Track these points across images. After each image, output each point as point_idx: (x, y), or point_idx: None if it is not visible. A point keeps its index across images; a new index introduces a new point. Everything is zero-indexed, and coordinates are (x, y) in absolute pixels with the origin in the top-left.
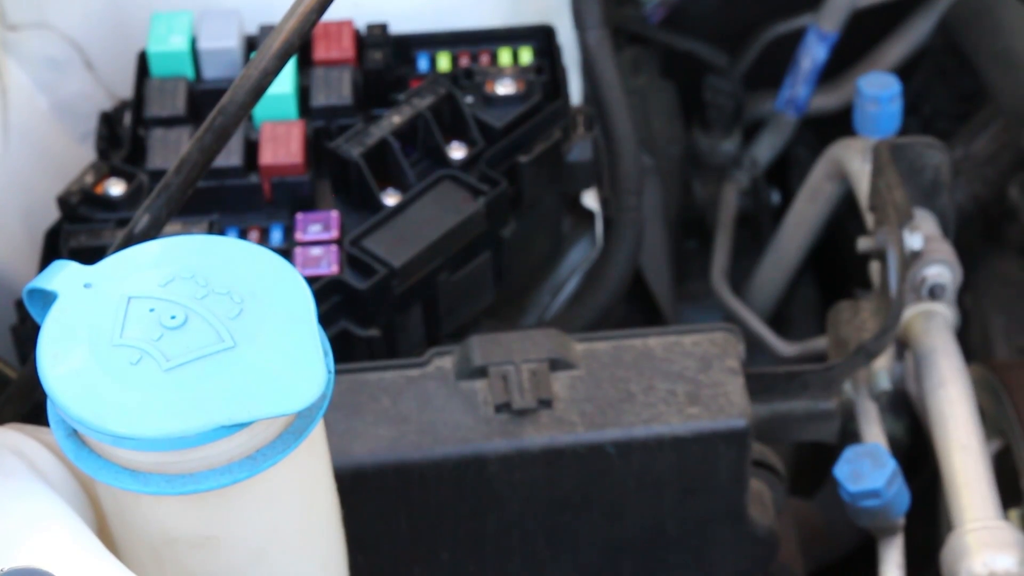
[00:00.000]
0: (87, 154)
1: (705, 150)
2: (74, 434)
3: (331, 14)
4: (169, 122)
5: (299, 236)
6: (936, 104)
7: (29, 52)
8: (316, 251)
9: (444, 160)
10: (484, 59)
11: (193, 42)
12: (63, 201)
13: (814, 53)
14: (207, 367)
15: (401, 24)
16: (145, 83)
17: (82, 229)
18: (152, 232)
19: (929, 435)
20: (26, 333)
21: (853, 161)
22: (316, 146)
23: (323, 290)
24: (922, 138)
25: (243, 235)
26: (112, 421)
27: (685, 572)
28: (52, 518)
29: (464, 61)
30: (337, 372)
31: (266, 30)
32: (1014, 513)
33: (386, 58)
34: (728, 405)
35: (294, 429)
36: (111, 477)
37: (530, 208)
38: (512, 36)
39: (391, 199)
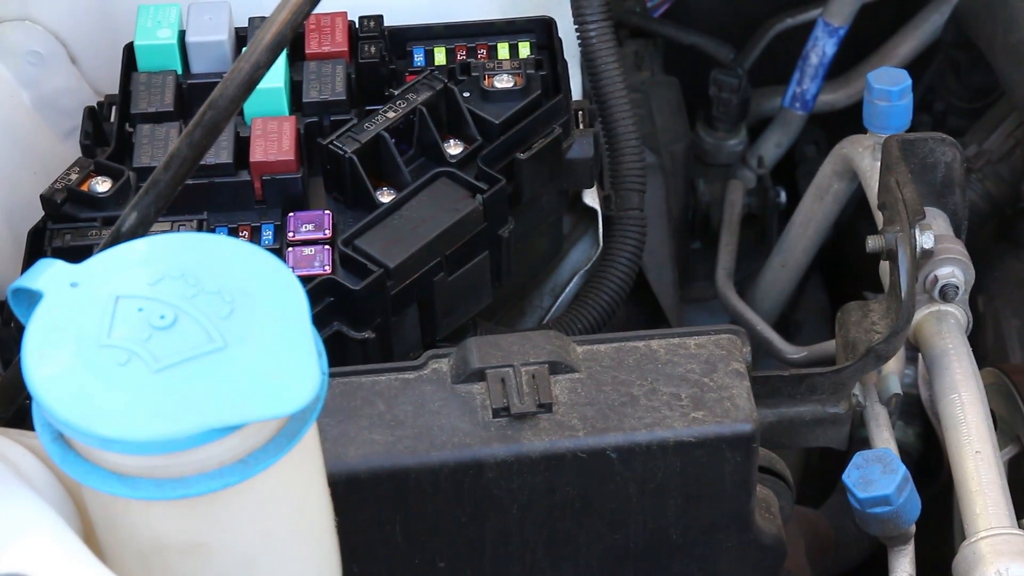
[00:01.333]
0: (72, 151)
1: (710, 147)
2: (60, 437)
3: (324, 6)
4: (157, 118)
5: (291, 235)
6: (948, 100)
7: (11, 46)
8: (308, 251)
9: (440, 157)
10: (482, 53)
11: (181, 35)
12: (47, 199)
13: (822, 47)
14: (197, 368)
15: (396, 16)
16: (131, 77)
17: (67, 228)
18: (140, 230)
19: (941, 440)
20: (10, 335)
21: (862, 158)
22: (308, 142)
23: (316, 290)
24: (933, 134)
25: (233, 234)
26: (100, 424)
27: None
28: (38, 523)
29: (461, 55)
30: (330, 375)
31: (256, 22)
32: None
33: (380, 52)
34: (734, 409)
35: (287, 432)
36: (98, 481)
37: (529, 207)
38: (511, 29)
39: (386, 197)
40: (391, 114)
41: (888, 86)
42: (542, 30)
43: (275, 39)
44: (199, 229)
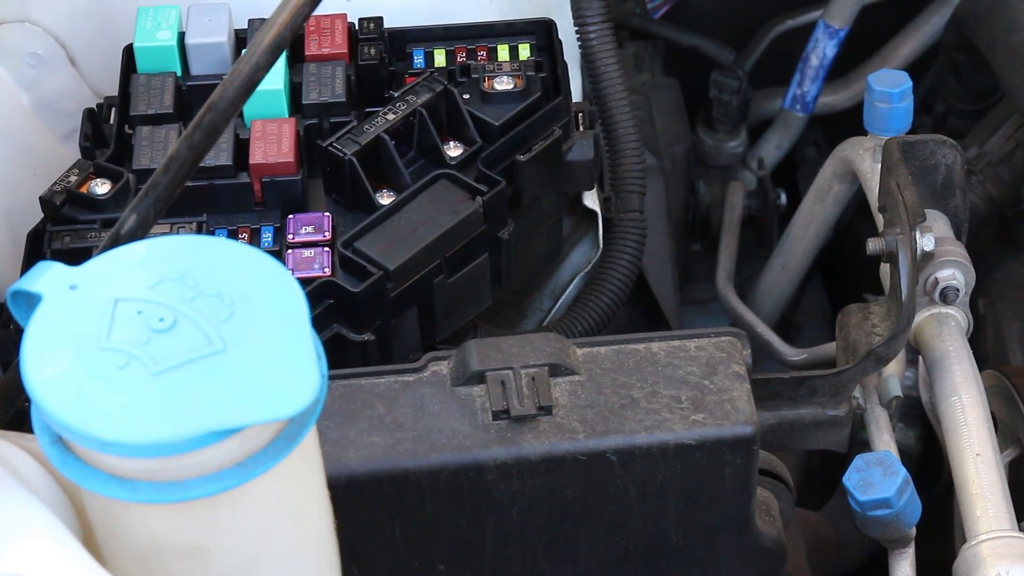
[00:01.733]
0: (71, 153)
1: (710, 149)
2: (59, 440)
3: (324, 8)
4: (156, 119)
5: (290, 237)
6: (949, 102)
7: (11, 48)
8: (308, 253)
9: (440, 159)
10: (482, 55)
11: (181, 37)
12: (46, 201)
13: (823, 49)
14: (197, 371)
15: (396, 18)
16: (131, 79)
17: (66, 230)
18: (139, 233)
19: (941, 443)
20: (9, 338)
21: (863, 160)
22: (308, 144)
23: (315, 293)
24: (934, 136)
25: (233, 236)
26: (99, 427)
27: None
28: (36, 526)
29: (461, 56)
30: (330, 377)
31: (255, 24)
32: None
33: (380, 53)
34: (734, 412)
35: (286, 435)
36: (97, 485)
37: (529, 209)
38: (511, 31)
39: (385, 199)
40: (391, 116)
41: (889, 88)
42: (542, 32)
43: (275, 41)
44: (198, 231)
